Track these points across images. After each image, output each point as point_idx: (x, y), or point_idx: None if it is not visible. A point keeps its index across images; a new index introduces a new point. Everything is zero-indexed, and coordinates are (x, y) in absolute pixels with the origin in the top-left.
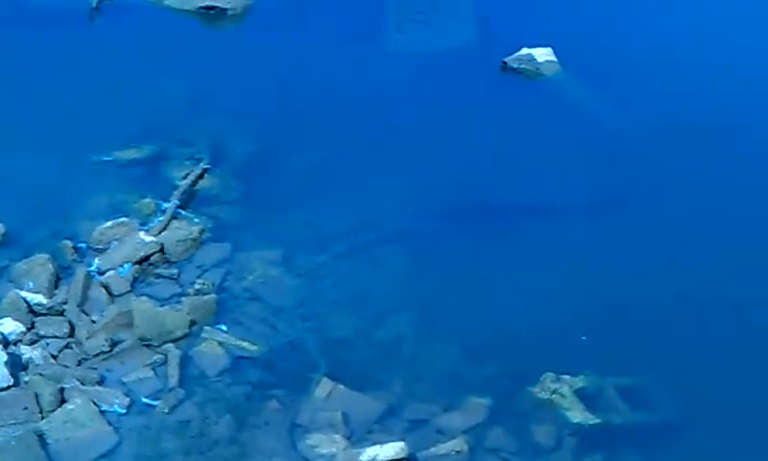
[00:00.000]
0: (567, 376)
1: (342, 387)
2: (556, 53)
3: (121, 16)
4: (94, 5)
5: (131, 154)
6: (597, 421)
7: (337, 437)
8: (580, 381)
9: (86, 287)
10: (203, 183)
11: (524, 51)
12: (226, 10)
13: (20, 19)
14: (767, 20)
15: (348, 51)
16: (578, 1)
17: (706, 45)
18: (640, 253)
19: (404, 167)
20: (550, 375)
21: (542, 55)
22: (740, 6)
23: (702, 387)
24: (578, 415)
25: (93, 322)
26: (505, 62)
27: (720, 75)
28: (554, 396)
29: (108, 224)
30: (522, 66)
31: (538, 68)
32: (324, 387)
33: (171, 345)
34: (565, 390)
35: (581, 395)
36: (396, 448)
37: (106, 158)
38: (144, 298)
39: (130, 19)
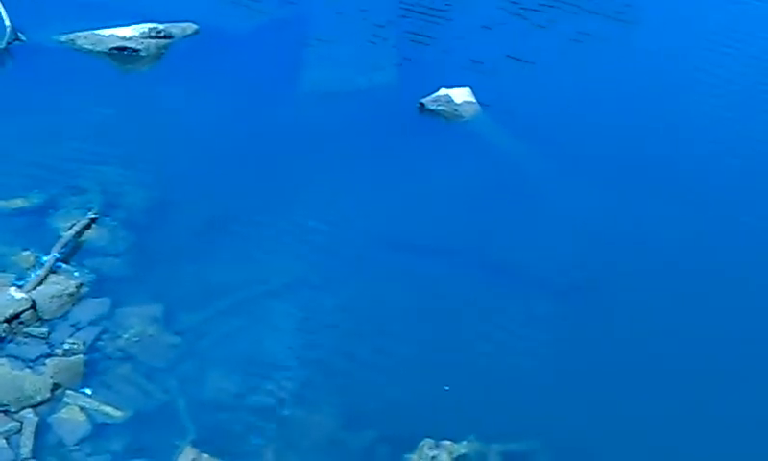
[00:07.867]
0: (448, 442)
1: (206, 456)
2: (475, 94)
3: (32, 58)
4: (3, 46)
5: (17, 203)
6: None
7: None
8: (462, 448)
9: None
10: (89, 234)
11: (442, 92)
12: (138, 51)
13: None
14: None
15: (262, 93)
16: (500, 42)
17: (627, 90)
18: (537, 311)
19: (304, 218)
20: (428, 441)
21: (461, 96)
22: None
23: (594, 454)
24: None
25: None
26: (422, 103)
27: (641, 118)
28: None
29: None
30: (440, 107)
31: (456, 109)
32: (186, 456)
33: (29, 411)
34: (444, 457)
35: None
36: None
37: None
38: (2, 360)
39: (40, 61)
